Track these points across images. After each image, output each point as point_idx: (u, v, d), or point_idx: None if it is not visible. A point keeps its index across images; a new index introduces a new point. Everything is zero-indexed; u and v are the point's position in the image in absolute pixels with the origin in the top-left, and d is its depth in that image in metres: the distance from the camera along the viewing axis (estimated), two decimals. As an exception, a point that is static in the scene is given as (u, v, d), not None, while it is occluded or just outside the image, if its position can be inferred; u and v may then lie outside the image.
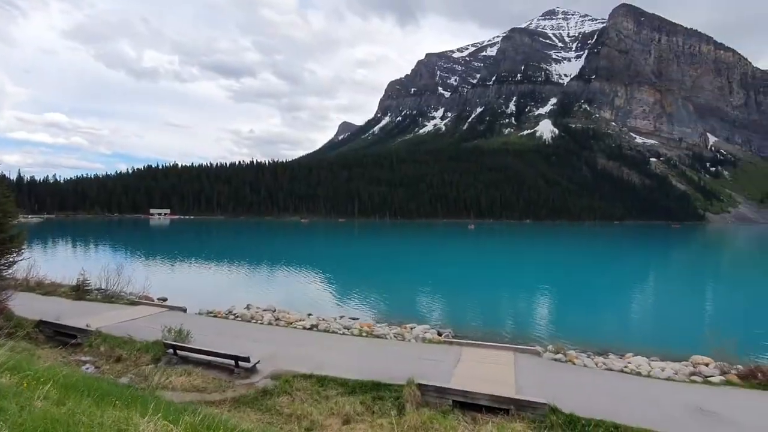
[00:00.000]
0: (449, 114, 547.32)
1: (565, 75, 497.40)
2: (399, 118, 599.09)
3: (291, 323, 17.66)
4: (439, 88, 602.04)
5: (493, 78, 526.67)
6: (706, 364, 13.64)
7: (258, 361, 11.86)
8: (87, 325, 14.06)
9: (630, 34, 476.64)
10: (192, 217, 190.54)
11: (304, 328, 17.03)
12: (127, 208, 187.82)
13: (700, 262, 63.68)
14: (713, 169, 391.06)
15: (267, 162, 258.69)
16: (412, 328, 18.27)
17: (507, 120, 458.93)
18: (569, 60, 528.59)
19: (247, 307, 20.78)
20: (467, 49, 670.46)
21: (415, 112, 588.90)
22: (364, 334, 16.48)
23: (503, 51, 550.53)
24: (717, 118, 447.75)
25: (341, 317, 20.23)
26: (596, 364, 13.67)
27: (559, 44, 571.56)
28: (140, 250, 54.57)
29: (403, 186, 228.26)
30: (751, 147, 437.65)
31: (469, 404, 10.22)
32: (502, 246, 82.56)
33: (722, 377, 12.17)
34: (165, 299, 21.83)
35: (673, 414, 9.88)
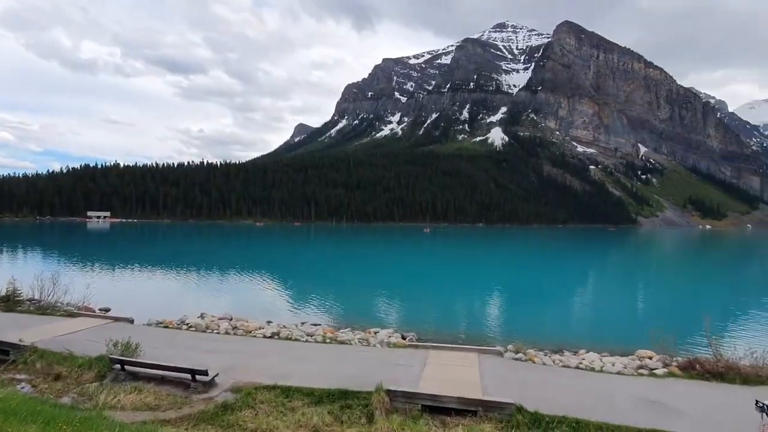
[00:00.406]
0: (405, 119, 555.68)
1: (514, 85, 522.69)
2: (356, 122, 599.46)
3: (250, 332, 16.92)
4: (396, 93, 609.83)
5: (448, 85, 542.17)
6: (650, 358, 14.71)
7: (217, 374, 11.19)
8: (20, 340, 12.62)
9: (572, 50, 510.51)
10: (135, 220, 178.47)
11: (265, 336, 16.37)
12: (61, 211, 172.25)
13: (637, 263, 69.06)
14: (644, 176, 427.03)
15: (219, 163, 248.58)
16: (376, 333, 18.14)
17: (461, 126, 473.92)
18: (518, 71, 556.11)
19: (201, 316, 19.65)
20: (423, 56, 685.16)
21: (372, 116, 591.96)
22: (328, 340, 16.13)
23: (457, 60, 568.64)
24: (647, 130, 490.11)
25: (303, 324, 19.68)
26: (554, 362, 14.29)
27: (509, 56, 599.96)
28: (78, 257, 50.08)
29: (360, 189, 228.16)
30: (676, 157, 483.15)
31: (438, 408, 10.26)
32: (457, 249, 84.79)
33: (665, 369, 13.15)
34: (108, 310, 20.12)
35: (626, 406, 10.50)
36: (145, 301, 24.20)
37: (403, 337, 17.69)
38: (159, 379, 11.05)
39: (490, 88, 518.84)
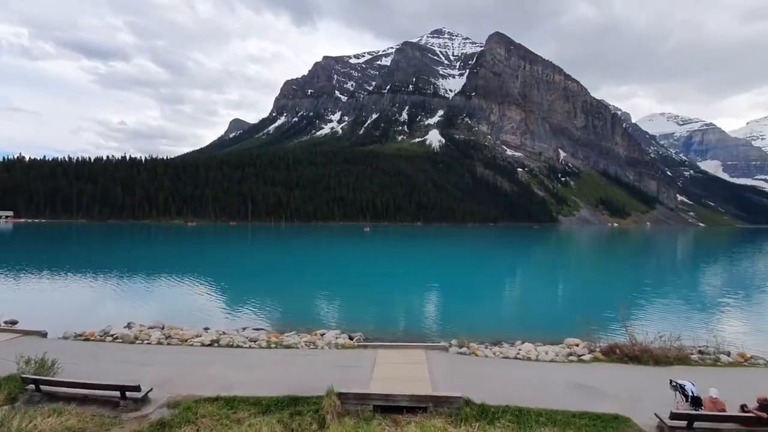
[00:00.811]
0: (346, 118, 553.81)
1: (451, 90, 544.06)
2: (295, 119, 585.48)
3: (186, 340, 15.77)
4: (336, 92, 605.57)
5: (388, 87, 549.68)
6: (577, 345, 16.08)
7: (150, 389, 10.30)
8: None
9: (502, 60, 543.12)
10: (44, 220, 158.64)
11: (203, 344, 15.37)
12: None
13: (561, 258, 75.17)
14: (563, 179, 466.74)
15: (144, 158, 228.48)
16: (322, 335, 17.86)
17: (400, 127, 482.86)
18: (454, 77, 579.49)
19: (128, 326, 17.96)
20: (363, 56, 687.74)
21: (312, 113, 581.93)
22: (273, 345, 15.56)
23: (397, 62, 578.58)
24: (566, 137, 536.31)
25: (244, 329, 18.78)
26: (494, 354, 15.06)
27: (445, 61, 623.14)
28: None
29: (300, 188, 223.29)
30: (589, 162, 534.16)
31: (389, 407, 10.34)
32: (398, 247, 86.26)
33: (591, 355, 14.47)
34: (15, 322, 17.62)
35: (560, 392, 11.38)
36: (59, 312, 21.49)
37: (351, 338, 17.61)
38: (82, 399, 9.92)
39: (428, 91, 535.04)
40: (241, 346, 15.25)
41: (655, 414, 9.30)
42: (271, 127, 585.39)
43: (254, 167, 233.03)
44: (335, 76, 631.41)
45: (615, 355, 14.06)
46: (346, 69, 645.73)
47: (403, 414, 10.13)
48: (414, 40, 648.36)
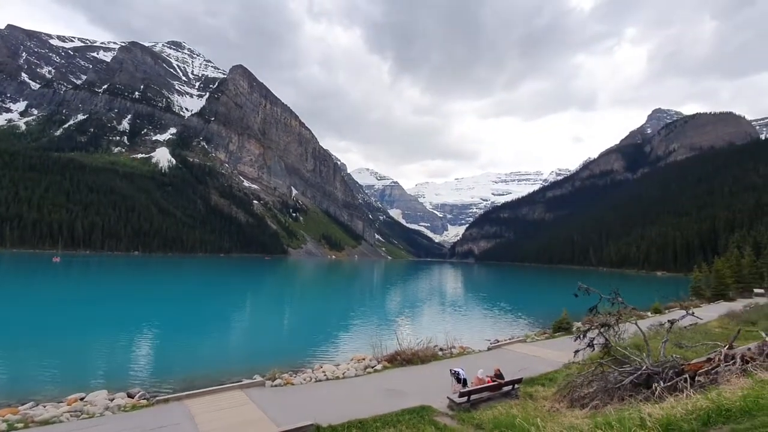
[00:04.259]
0: (35, 111, 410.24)
1: (187, 109, 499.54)
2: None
3: None
4: (24, 75, 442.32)
5: (105, 87, 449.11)
6: (364, 359, 19.12)
7: None
8: None
9: (244, 93, 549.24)
10: None
11: None
12: None
13: (303, 286, 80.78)
14: (294, 214, 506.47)
15: None
16: (83, 399, 13.70)
17: (118, 138, 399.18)
18: (191, 96, 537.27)
19: None
20: (72, 41, 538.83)
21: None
22: (19, 425, 10.89)
23: (120, 61, 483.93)
24: (298, 176, 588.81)
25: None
26: (306, 380, 15.96)
27: (183, 78, 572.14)
28: None
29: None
30: (316, 201, 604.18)
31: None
32: (108, 281, 70.27)
33: (380, 364, 17.68)
34: None
35: (377, 399, 13.69)
36: None
37: (131, 396, 14.34)
38: None
39: (160, 104, 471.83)
40: (-46, 440, 9.96)
41: (448, 397, 12.95)
42: None
43: None
44: (24, 54, 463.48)
45: (397, 361, 17.80)
46: (44, 50, 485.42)
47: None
48: (146, 44, 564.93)
